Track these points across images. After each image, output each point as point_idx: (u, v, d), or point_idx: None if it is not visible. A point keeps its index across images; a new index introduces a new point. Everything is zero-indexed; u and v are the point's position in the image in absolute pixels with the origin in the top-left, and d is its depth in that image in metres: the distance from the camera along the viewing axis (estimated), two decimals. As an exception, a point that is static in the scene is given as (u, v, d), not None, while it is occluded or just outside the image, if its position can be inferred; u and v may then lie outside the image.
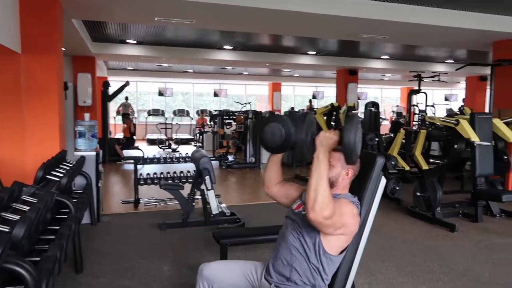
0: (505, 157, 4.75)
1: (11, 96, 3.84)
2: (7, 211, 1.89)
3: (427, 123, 5.16)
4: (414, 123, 11.03)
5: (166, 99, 16.17)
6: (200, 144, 12.26)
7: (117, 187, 6.70)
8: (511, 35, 5.83)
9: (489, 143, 4.36)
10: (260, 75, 15.03)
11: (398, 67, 11.00)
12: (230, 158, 8.74)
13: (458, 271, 3.21)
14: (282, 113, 13.63)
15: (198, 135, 12.71)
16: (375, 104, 8.71)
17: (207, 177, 4.06)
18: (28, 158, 3.86)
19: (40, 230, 2.39)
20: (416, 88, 8.59)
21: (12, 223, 1.73)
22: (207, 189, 4.10)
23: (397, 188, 5.48)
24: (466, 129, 4.31)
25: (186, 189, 4.51)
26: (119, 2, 4.62)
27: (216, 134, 9.18)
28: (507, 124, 4.75)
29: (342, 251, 1.73)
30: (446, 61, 10.87)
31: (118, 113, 13.02)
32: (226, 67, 12.64)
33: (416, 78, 8.40)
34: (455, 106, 15.04)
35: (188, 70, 13.75)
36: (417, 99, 10.84)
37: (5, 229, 1.67)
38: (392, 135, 6.92)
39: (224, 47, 8.92)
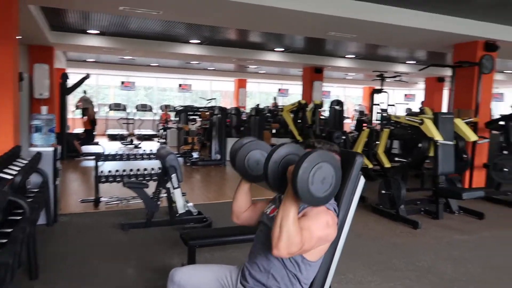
0: (465, 156, 4.93)
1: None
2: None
3: (392, 122, 5.24)
4: (377, 122, 11.37)
5: (128, 93, 15.66)
6: (164, 140, 11.97)
7: (75, 185, 6.38)
8: (470, 38, 6.05)
9: (451, 142, 4.49)
10: (226, 71, 14.88)
11: (362, 66, 11.22)
12: (195, 155, 8.57)
13: (423, 268, 3.28)
14: (248, 110, 13.57)
15: (161, 131, 12.40)
16: (339, 103, 8.86)
17: (173, 175, 3.92)
18: (-24, 154, 3.56)
19: (-11, 234, 2.18)
20: (378, 87, 8.79)
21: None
22: (174, 188, 3.96)
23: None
24: (430, 128, 4.42)
25: (151, 187, 4.34)
26: (80, -12, 4.36)
27: (181, 130, 8.98)
28: (467, 124, 4.92)
29: (321, 257, 1.68)
30: (407, 61, 11.20)
31: (77, 107, 12.44)
32: (192, 62, 12.39)
33: (379, 78, 8.60)
34: (414, 106, 15.59)
35: (152, 64, 13.36)
36: (379, 98, 11.16)
37: None
38: (356, 133, 7.03)
39: (191, 41, 8.71)
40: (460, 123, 4.75)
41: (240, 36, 8.24)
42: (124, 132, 11.95)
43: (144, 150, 5.54)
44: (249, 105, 15.95)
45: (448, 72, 11.68)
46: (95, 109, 11.87)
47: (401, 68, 11.56)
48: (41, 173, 3.81)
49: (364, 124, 8.39)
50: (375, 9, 5.15)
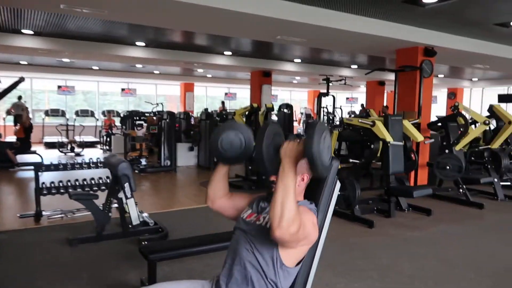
0: (412, 155, 5.16)
1: None
2: None
3: (345, 124, 5.37)
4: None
5: (66, 98, 14.74)
6: (108, 147, 11.38)
7: (11, 198, 5.83)
8: (411, 44, 6.38)
9: (401, 143, 4.68)
10: (172, 75, 14.52)
11: (308, 70, 11.47)
12: (143, 161, 8.22)
13: (383, 266, 3.35)
14: (195, 115, 13.34)
15: (105, 137, 11.79)
16: (288, 106, 8.98)
17: (126, 184, 3.68)
18: None
19: None
20: (323, 91, 9.04)
21: None
22: (127, 198, 3.72)
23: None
24: (382, 130, 4.57)
25: (100, 198, 4.05)
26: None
27: (128, 136, 8.57)
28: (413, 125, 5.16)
29: (298, 263, 1.62)
30: (351, 66, 11.63)
31: (8, 113, 11.46)
32: (136, 65, 11.93)
33: (324, 81, 8.83)
34: (356, 108, 16.28)
35: (93, 67, 12.68)
36: (325, 101, 11.48)
37: None
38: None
39: (136, 43, 8.36)
40: (408, 125, 4.97)
41: (187, 39, 8.05)
42: (63, 139, 11.19)
43: (91, 159, 5.16)
44: (196, 109, 15.70)
45: (388, 76, 12.41)
46: (30, 115, 11.02)
47: (345, 72, 11.98)
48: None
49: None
50: (324, 14, 5.24)
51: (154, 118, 10.45)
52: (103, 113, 13.53)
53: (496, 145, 6.01)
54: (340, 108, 11.34)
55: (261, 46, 8.51)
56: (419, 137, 4.98)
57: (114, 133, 11.56)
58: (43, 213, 4.55)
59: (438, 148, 6.78)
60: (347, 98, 18.81)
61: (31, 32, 7.24)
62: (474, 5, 4.94)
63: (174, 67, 12.27)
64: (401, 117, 4.91)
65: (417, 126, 6.17)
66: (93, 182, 4.81)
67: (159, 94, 16.77)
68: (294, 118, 15.06)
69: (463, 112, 5.81)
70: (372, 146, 4.68)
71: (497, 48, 7.36)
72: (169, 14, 4.97)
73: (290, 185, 1.41)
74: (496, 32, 6.37)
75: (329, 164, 1.56)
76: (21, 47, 7.71)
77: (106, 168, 4.75)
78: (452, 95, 15.96)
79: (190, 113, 11.39)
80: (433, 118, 7.09)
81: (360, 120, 4.83)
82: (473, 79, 14.91)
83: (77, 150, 10.65)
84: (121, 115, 11.30)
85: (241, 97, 17.54)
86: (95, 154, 9.92)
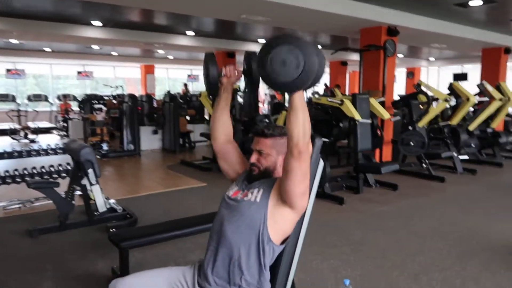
0: (379, 133, 5.25)
1: None
2: None
3: (313, 104, 5.36)
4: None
5: (16, 82, 13.83)
6: (65, 133, 10.84)
7: (-40, 189, 5.40)
8: (375, 23, 6.42)
9: (368, 121, 4.73)
10: (131, 56, 13.97)
11: (272, 50, 11.35)
12: (105, 146, 7.88)
13: (356, 242, 3.40)
14: (157, 97, 12.94)
15: (61, 122, 11.20)
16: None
17: (90, 170, 3.48)
18: None
19: None
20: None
21: None
22: (91, 184, 3.52)
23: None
24: (350, 108, 4.59)
25: (62, 185, 3.82)
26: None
27: (87, 121, 8.17)
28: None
29: (283, 241, 1.57)
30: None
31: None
32: (93, 46, 11.33)
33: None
34: (319, 88, 16.40)
35: (44, 49, 11.92)
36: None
37: None
38: (273, 117, 7.10)
39: (92, 22, 7.89)
40: (375, 103, 5.03)
41: (146, 18, 7.69)
42: (15, 126, 10.51)
43: (48, 145, 4.85)
44: (158, 92, 15.25)
45: (350, 56, 12.55)
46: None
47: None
48: None
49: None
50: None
51: (114, 101, 10.05)
52: (58, 97, 12.81)
53: (455, 121, 6.24)
54: (304, 90, 11.39)
55: (225, 26, 8.30)
56: (386, 115, 5.06)
57: (71, 118, 11.01)
58: (-1, 204, 4.25)
59: (400, 125, 6.96)
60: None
61: (-27, 10, 6.64)
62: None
63: (133, 48, 11.77)
64: (368, 95, 4.96)
65: (382, 104, 6.28)
66: (52, 169, 4.55)
67: (118, 76, 16.12)
68: (259, 99, 15.01)
69: (425, 90, 5.96)
70: (341, 124, 4.70)
71: (455, 28, 7.58)
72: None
73: (305, 104, 1.39)
74: (455, 12, 6.54)
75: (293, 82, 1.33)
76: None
77: (65, 154, 4.50)
78: (411, 74, 16.45)
79: (152, 96, 11.05)
80: (395, 97, 7.25)
81: (329, 99, 4.82)
82: (430, 59, 15.40)
83: (31, 136, 10.05)
84: (78, 99, 10.74)
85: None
86: (51, 140, 9.41)
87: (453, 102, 5.87)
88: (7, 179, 4.25)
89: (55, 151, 4.85)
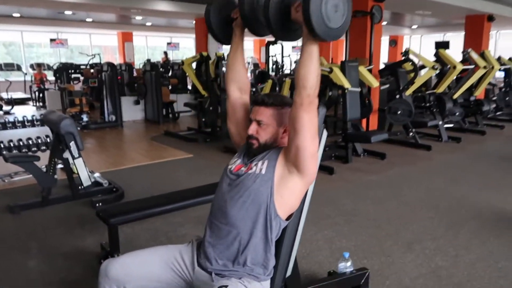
0: (368, 101, 5.19)
1: None
2: None
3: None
4: (272, 73, 11.49)
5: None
6: (41, 104, 10.42)
7: None
8: (364, -12, 6.23)
9: (358, 89, 4.65)
10: (107, 23, 13.35)
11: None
12: (85, 117, 7.60)
13: (347, 212, 3.39)
14: (137, 66, 12.51)
15: (37, 93, 10.74)
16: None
17: (72, 143, 3.31)
18: None
19: None
20: (271, 39, 8.76)
21: None
22: (74, 158, 3.36)
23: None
24: (339, 76, 4.48)
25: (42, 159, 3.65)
26: None
27: (64, 91, 7.83)
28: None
29: (289, 217, 1.49)
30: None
31: None
32: (65, 12, 10.74)
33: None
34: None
35: (13, 14, 11.23)
36: (274, 50, 11.24)
37: None
38: (260, 85, 6.94)
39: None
40: (364, 71, 4.93)
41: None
42: (-13, 97, 10.04)
43: (25, 117, 4.61)
44: (137, 61, 14.75)
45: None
46: None
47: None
48: None
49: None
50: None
51: (92, 70, 9.64)
52: (32, 66, 12.23)
53: (441, 89, 6.23)
54: (289, 57, 11.18)
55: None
56: (375, 83, 4.99)
57: (47, 88, 10.56)
58: (-25, 179, 4.05)
59: (386, 94, 6.91)
60: (293, 47, 18.60)
61: None
62: None
63: (109, 14, 11.22)
64: (357, 63, 4.85)
65: (369, 72, 6.19)
66: (30, 142, 4.33)
67: (94, 44, 15.45)
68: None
69: (413, 58, 5.88)
70: (330, 93, 4.61)
71: (441, -6, 7.46)
72: None
73: (319, 54, 1.33)
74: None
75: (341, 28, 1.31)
76: None
77: (44, 126, 4.28)
78: (393, 42, 16.35)
79: (132, 65, 10.65)
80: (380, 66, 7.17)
81: (318, 67, 4.69)
82: (413, 27, 15.29)
83: (5, 108, 9.63)
84: (53, 68, 10.24)
85: (184, 47, 16.70)
86: (27, 111, 9.01)
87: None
88: (-18, 153, 4.03)
89: (32, 123, 4.61)
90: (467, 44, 9.15)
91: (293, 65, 12.37)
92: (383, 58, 15.40)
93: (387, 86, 6.03)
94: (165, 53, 14.50)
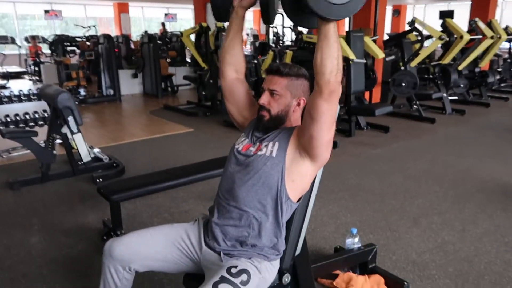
0: (372, 73, 5.06)
1: None
2: None
3: (304, 43, 5.07)
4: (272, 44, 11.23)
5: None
6: (38, 78, 10.23)
7: None
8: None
9: (363, 61, 4.52)
10: (102, -7, 12.96)
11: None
12: (82, 91, 7.46)
13: (353, 187, 3.35)
14: (134, 38, 12.23)
15: (32, 66, 10.53)
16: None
17: (70, 118, 3.22)
18: None
19: None
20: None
21: None
22: (73, 133, 3.28)
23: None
24: (344, 47, 4.34)
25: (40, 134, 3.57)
26: None
27: (61, 65, 7.65)
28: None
29: (299, 199, 1.43)
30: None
31: None
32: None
33: None
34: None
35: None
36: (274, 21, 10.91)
37: None
38: (262, 58, 6.78)
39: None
40: (369, 41, 4.78)
41: None
42: (-18, 71, 9.85)
43: (21, 91, 4.50)
44: (134, 33, 14.42)
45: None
46: None
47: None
48: None
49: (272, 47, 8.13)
50: None
51: (88, 43, 9.40)
52: (26, 39, 11.94)
53: (447, 60, 6.08)
54: (290, 28, 10.90)
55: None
56: (380, 54, 4.84)
57: (43, 61, 10.34)
58: (-28, 155, 3.99)
59: (390, 66, 6.76)
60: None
61: None
62: None
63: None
64: (363, 34, 4.69)
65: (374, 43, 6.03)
66: (27, 117, 4.24)
67: (89, 16, 15.07)
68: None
69: (419, 28, 5.70)
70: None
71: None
72: None
73: (337, 35, 1.19)
74: None
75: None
76: None
77: (41, 101, 4.18)
78: (396, 12, 15.95)
79: (129, 37, 10.39)
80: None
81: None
82: (417, -5, 14.90)
83: (1, 82, 9.46)
84: (49, 41, 9.99)
85: (182, 18, 16.30)
86: (23, 85, 8.84)
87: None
88: (-21, 129, 3.95)
89: (28, 98, 4.51)
90: (473, 13, 8.88)
91: (294, 36, 12.07)
92: (386, 28, 15.10)
93: (393, 57, 5.87)
94: (163, 24, 14.16)
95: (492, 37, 6.29)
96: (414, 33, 5.86)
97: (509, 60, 8.04)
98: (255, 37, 14.02)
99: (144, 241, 1.45)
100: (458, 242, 2.46)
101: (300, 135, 1.33)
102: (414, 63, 5.64)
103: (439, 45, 6.36)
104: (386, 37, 7.00)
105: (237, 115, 1.57)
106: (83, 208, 2.97)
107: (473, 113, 6.13)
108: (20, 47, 11.62)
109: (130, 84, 8.06)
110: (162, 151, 4.41)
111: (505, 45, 8.49)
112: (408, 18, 16.46)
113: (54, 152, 3.48)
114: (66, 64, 7.75)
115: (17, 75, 10.89)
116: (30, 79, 10.58)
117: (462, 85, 6.51)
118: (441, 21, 6.31)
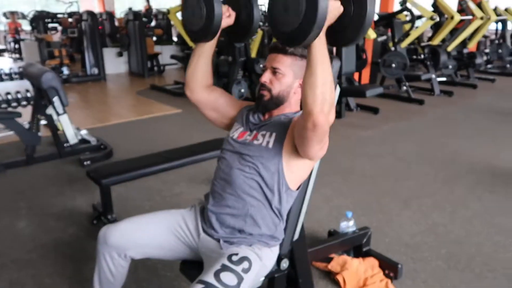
0: (363, 54, 5.02)
1: None
2: None
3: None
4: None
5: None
6: (18, 56, 9.90)
7: None
8: None
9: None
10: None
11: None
12: (65, 70, 7.25)
13: (345, 169, 3.35)
14: (118, 15, 11.86)
15: (12, 43, 10.16)
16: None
17: (55, 99, 3.12)
18: None
19: None
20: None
21: None
22: (58, 114, 3.18)
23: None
24: (336, 27, 4.27)
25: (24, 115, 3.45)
26: None
27: (42, 42, 7.39)
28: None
29: (299, 186, 1.40)
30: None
31: None
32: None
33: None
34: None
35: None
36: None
37: None
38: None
39: None
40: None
41: None
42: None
43: (2, 70, 4.33)
44: (118, 9, 13.98)
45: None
46: None
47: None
48: None
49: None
50: None
51: (70, 19, 9.10)
52: (5, 15, 11.48)
53: (437, 41, 6.07)
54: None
55: None
56: (372, 34, 4.79)
57: (23, 38, 9.99)
58: (-47, 136, 3.84)
59: (379, 46, 6.72)
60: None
61: None
62: None
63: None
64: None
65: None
66: (10, 97, 4.07)
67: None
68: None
69: (411, 8, 5.65)
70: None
71: None
72: None
73: (327, 58, 1.08)
74: None
75: None
76: None
77: (23, 80, 4.03)
78: (385, -9, 15.79)
79: (113, 14, 10.08)
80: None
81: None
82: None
83: (-21, 60, 9.13)
84: (29, 17, 9.62)
85: (167, -5, 15.86)
86: (3, 64, 8.55)
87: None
88: (-42, 109, 3.79)
89: (10, 77, 4.33)
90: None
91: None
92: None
93: (384, 37, 5.83)
94: (147, 0, 13.74)
95: (481, 18, 6.28)
96: (405, 13, 5.81)
97: (496, 42, 8.09)
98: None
99: (140, 227, 1.41)
100: (449, 224, 2.49)
101: (294, 136, 1.27)
102: (404, 44, 5.60)
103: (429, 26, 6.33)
104: (376, 17, 6.93)
105: (222, 119, 1.52)
106: (71, 192, 2.90)
107: (461, 95, 6.17)
108: (-2, 23, 11.20)
109: (115, 63, 7.86)
110: (151, 133, 4.34)
111: (491, 26, 8.54)
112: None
113: (39, 133, 3.39)
114: (47, 42, 7.50)
115: (-3, 53, 10.53)
116: (10, 57, 10.23)
117: (450, 66, 6.53)
118: (429, 1, 6.27)
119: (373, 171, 3.30)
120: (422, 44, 6.24)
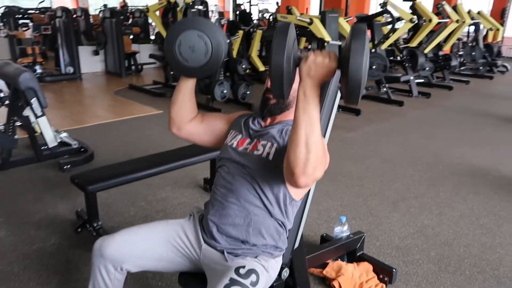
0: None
1: None
2: None
3: (277, 22, 4.95)
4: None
5: None
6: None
7: None
8: None
9: (338, 43, 4.49)
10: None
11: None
12: (38, 69, 6.97)
13: (331, 171, 3.14)
14: (92, 12, 11.54)
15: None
16: (203, 2, 8.11)
17: (34, 100, 2.97)
18: None
19: None
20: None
21: None
22: (37, 116, 3.04)
23: (248, 92, 5.33)
24: (320, 28, 4.28)
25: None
26: None
27: (13, 39, 7.08)
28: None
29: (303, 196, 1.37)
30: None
31: None
32: None
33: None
34: (270, 7, 15.56)
35: None
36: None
37: None
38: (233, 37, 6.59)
39: None
40: (344, 23, 4.74)
41: None
42: None
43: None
44: (93, 6, 13.62)
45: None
46: None
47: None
48: None
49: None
50: None
51: (43, 15, 8.78)
52: (-29, 9, 10.95)
53: (415, 43, 6.19)
54: (257, 6, 10.69)
55: None
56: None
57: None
58: None
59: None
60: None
61: None
62: None
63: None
64: (338, 14, 4.64)
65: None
66: (-19, 98, 3.88)
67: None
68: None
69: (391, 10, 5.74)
70: (309, 46, 4.42)
71: None
72: None
73: (315, 117, 1.02)
74: None
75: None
76: None
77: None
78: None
79: (87, 10, 9.79)
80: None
81: (298, 18, 4.45)
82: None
83: None
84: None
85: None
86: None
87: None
88: None
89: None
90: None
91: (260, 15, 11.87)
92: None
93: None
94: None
95: (457, 21, 6.45)
96: (385, 15, 5.89)
97: (470, 44, 8.33)
98: (220, 14, 13.65)
99: (138, 239, 1.35)
100: (437, 226, 2.53)
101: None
102: (385, 46, 5.68)
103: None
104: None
105: (211, 139, 1.48)
106: (52, 198, 2.78)
107: (437, 96, 6.32)
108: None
109: (91, 62, 7.62)
110: (132, 135, 4.22)
111: (464, 29, 8.80)
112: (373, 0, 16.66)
113: (15, 136, 3.23)
114: (19, 39, 7.20)
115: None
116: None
117: (427, 68, 6.67)
118: (404, 3, 6.37)
119: (359, 173, 3.32)
120: (401, 46, 6.34)
